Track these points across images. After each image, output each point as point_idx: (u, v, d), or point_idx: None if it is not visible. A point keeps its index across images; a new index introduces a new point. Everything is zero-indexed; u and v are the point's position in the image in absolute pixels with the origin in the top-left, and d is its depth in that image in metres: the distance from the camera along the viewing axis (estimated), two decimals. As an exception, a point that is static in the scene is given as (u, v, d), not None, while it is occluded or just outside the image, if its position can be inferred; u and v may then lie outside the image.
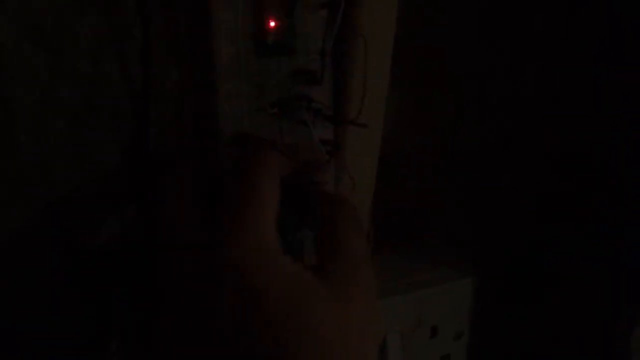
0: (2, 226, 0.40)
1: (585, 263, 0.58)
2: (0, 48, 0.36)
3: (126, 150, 0.42)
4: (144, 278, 0.43)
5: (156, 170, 0.42)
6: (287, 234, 0.40)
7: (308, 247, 0.44)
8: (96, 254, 0.44)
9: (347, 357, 0.32)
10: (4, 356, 0.43)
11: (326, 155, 0.42)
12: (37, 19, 0.37)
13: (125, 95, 0.40)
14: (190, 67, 0.41)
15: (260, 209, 0.34)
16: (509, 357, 0.66)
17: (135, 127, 0.41)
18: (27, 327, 0.43)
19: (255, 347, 0.30)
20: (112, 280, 0.45)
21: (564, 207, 0.59)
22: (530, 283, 0.63)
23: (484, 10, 0.55)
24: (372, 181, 0.50)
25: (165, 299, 0.34)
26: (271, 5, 0.39)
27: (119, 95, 0.40)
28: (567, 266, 0.60)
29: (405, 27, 0.48)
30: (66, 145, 0.40)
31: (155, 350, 0.35)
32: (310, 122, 0.42)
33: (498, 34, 0.56)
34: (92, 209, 0.43)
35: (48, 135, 0.39)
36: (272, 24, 0.39)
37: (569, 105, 0.57)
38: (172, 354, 0.33)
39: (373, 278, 0.36)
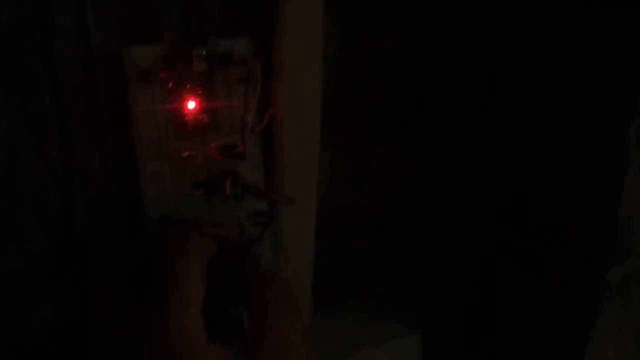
0: None
1: (534, 311, 0.58)
2: None
3: (52, 234, 0.41)
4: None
5: (85, 255, 0.41)
6: (223, 314, 0.40)
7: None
8: (28, 341, 0.43)
9: None
10: None
11: (254, 232, 0.42)
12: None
13: (47, 181, 0.40)
14: (114, 151, 0.41)
15: (184, 298, 0.34)
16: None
17: (60, 211, 0.41)
18: None
19: None
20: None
21: (510, 255, 0.59)
22: (480, 332, 0.63)
23: (414, 64, 0.55)
24: (312, 246, 0.50)
25: None
26: (188, 85, 0.39)
27: (41, 182, 0.40)
28: (517, 312, 0.60)
29: (333, 85, 0.48)
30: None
31: None
32: (239, 198, 0.41)
33: (430, 83, 0.57)
34: (22, 296, 0.42)
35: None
36: (192, 104, 0.39)
37: (510, 151, 0.58)
38: None
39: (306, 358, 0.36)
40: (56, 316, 0.43)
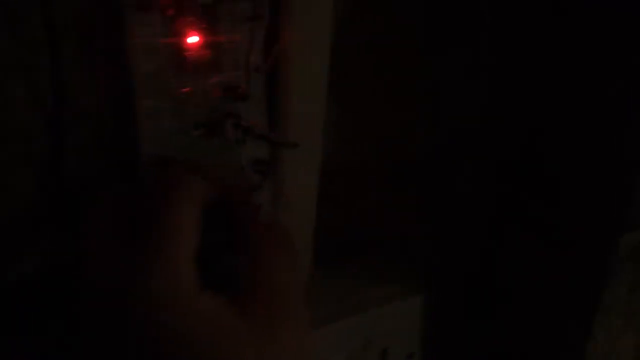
0: None
1: (537, 277, 0.56)
2: None
3: (41, 176, 0.39)
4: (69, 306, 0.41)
5: (77, 197, 0.39)
6: (217, 262, 0.38)
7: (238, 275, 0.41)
8: (15, 286, 0.41)
9: None
10: None
11: (257, 177, 0.40)
12: None
13: (37, 119, 0.37)
14: (107, 85, 0.38)
15: (175, 242, 0.32)
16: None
17: (50, 153, 0.38)
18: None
19: None
20: (35, 314, 0.42)
21: (515, 220, 0.58)
22: (484, 297, 0.61)
23: (428, 17, 0.53)
24: (313, 202, 0.48)
25: (81, 331, 0.33)
26: (192, 20, 0.36)
27: (30, 120, 0.37)
28: (519, 281, 0.58)
29: (345, 36, 0.46)
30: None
31: None
32: (240, 141, 0.39)
33: (445, 42, 0.54)
34: (12, 241, 0.40)
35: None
36: (194, 39, 0.37)
37: (524, 113, 0.56)
38: None
39: (305, 313, 0.34)
40: (43, 263, 0.41)
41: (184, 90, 0.38)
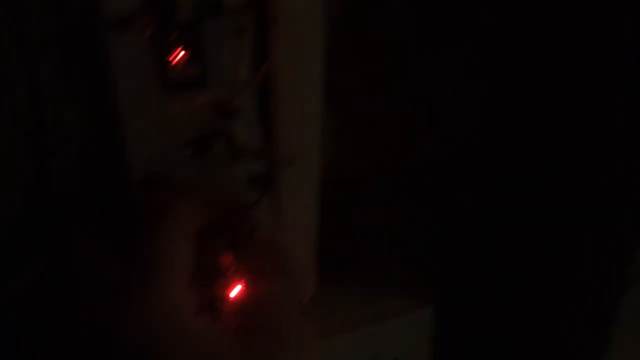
0: None
1: (549, 287, 0.55)
2: None
3: (28, 198, 0.38)
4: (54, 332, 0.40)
5: (64, 221, 0.39)
6: (214, 283, 0.37)
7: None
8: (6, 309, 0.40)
9: None
10: None
11: (251, 195, 0.38)
12: None
13: (20, 142, 0.36)
14: (93, 106, 0.37)
15: (168, 270, 0.31)
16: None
17: (35, 175, 0.38)
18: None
19: None
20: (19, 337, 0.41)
21: (520, 227, 0.56)
22: (491, 309, 0.60)
23: (421, 24, 0.52)
24: (313, 215, 0.47)
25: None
26: (173, 35, 0.35)
27: (13, 143, 0.36)
28: (533, 289, 0.57)
29: (339, 47, 0.44)
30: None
31: None
32: (232, 159, 0.38)
33: (445, 47, 0.53)
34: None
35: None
36: (177, 56, 0.35)
37: (521, 118, 0.55)
38: None
39: (304, 335, 0.33)
40: (35, 283, 0.41)
41: (172, 108, 0.37)
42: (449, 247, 0.60)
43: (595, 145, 0.49)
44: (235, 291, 0.37)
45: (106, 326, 0.30)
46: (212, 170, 0.39)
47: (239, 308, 0.35)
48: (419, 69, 0.53)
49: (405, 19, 0.51)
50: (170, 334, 0.29)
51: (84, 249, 0.35)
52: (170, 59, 0.36)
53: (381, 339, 0.53)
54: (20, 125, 0.36)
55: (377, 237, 0.58)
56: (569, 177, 0.52)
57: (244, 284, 0.36)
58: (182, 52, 0.36)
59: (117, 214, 0.37)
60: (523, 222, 0.56)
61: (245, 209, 0.39)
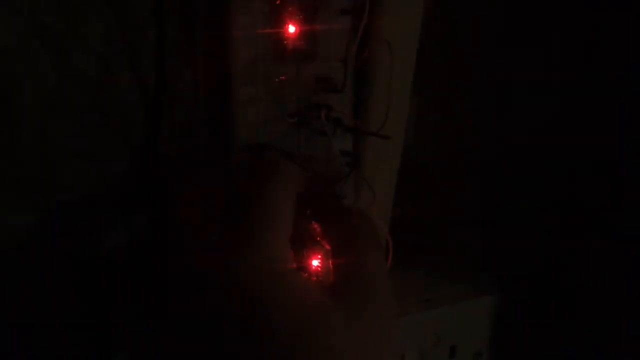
0: (6, 230, 0.39)
1: (605, 279, 0.56)
2: (5, 48, 0.34)
3: (136, 155, 0.40)
4: (152, 286, 0.42)
5: (169, 177, 0.41)
6: (305, 248, 0.39)
7: (326, 262, 0.42)
8: (102, 263, 0.43)
9: None
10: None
11: (346, 168, 0.40)
12: (44, 18, 0.35)
13: (136, 98, 0.39)
14: (206, 71, 0.39)
15: (273, 224, 0.33)
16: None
17: (145, 132, 0.40)
18: (29, 334, 0.42)
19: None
20: (116, 291, 0.44)
21: (584, 221, 0.57)
22: (550, 301, 0.61)
23: (507, 19, 0.53)
24: (392, 195, 0.48)
25: (176, 305, 0.34)
26: (291, 10, 0.37)
27: (129, 98, 0.39)
28: (587, 283, 0.58)
29: (427, 34, 0.46)
30: (72, 149, 0.39)
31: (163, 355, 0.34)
32: (330, 132, 0.40)
33: (520, 42, 0.54)
34: (98, 216, 0.42)
35: (53, 138, 0.38)
36: (292, 29, 0.37)
37: (592, 115, 0.55)
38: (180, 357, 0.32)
39: (390, 298, 0.35)
40: (130, 243, 0.43)
41: (280, 79, 0.39)
42: (512, 238, 0.61)
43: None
44: (323, 256, 0.39)
45: (217, 271, 0.32)
46: (310, 141, 0.40)
47: (332, 269, 0.36)
48: (497, 64, 0.54)
49: (489, 15, 0.52)
50: (275, 282, 0.31)
51: (189, 203, 0.38)
52: (285, 31, 0.38)
53: (442, 323, 0.54)
54: (141, 87, 0.38)
55: (443, 224, 0.59)
56: (628, 172, 0.52)
57: (332, 249, 0.38)
58: (295, 28, 0.38)
59: (220, 171, 0.39)
60: (587, 215, 0.57)
61: (336, 180, 0.41)
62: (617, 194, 0.55)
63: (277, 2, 0.36)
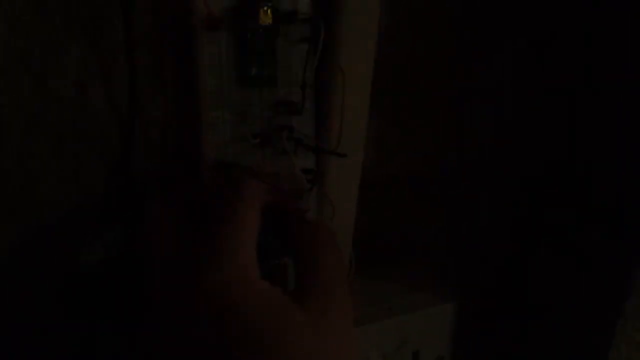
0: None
1: (563, 287, 0.59)
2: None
3: (111, 173, 0.43)
4: (129, 298, 0.44)
5: (142, 194, 0.43)
6: (269, 260, 0.41)
7: (290, 272, 0.45)
8: (81, 276, 0.45)
9: None
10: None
11: (307, 184, 0.43)
12: (25, 43, 0.38)
13: (111, 120, 0.42)
14: (175, 96, 0.42)
15: (239, 237, 0.36)
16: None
17: (120, 151, 0.43)
18: (10, 346, 0.44)
19: None
20: (97, 302, 0.46)
21: (540, 230, 0.61)
22: (509, 306, 0.64)
23: (460, 38, 0.56)
24: (354, 208, 0.51)
25: (150, 317, 0.36)
26: (253, 40, 0.40)
27: (104, 120, 0.41)
28: (545, 290, 0.61)
29: (385, 55, 0.49)
30: (52, 168, 0.41)
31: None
32: (292, 151, 0.43)
33: (474, 59, 0.58)
34: (76, 230, 0.44)
35: (34, 159, 0.41)
36: (254, 57, 0.41)
37: (546, 129, 0.59)
38: None
39: (349, 304, 0.38)
40: (108, 256, 0.45)
41: (244, 103, 0.42)
42: (470, 249, 0.64)
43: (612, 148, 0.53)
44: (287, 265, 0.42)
45: (186, 283, 0.35)
46: (274, 159, 0.43)
47: (295, 275, 0.39)
48: (455, 82, 0.58)
49: (445, 34, 0.56)
50: (244, 292, 0.33)
51: (162, 218, 0.40)
52: (247, 59, 0.41)
53: (405, 330, 0.57)
54: (115, 110, 0.41)
55: (406, 236, 0.62)
56: (582, 180, 0.56)
57: (295, 259, 0.41)
58: (256, 55, 0.41)
59: (191, 190, 0.42)
60: (540, 226, 0.60)
61: (299, 195, 0.44)
62: (569, 205, 0.58)
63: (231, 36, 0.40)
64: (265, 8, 0.40)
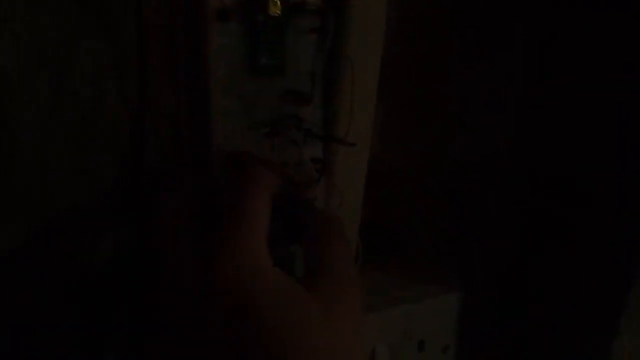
0: (5, 238, 0.41)
1: (566, 277, 0.59)
2: (3, 70, 0.38)
3: (124, 166, 0.43)
4: (140, 291, 0.45)
5: (153, 187, 0.44)
6: (279, 249, 0.42)
7: (299, 261, 0.45)
8: (92, 269, 0.45)
9: None
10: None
11: (315, 173, 0.44)
12: (41, 43, 0.38)
13: (123, 114, 0.42)
14: (186, 87, 0.43)
15: (251, 227, 0.36)
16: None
17: (131, 145, 0.43)
18: (22, 343, 0.44)
19: (248, 354, 0.32)
20: (108, 297, 0.46)
21: (545, 223, 0.61)
22: (514, 297, 0.65)
23: (467, 35, 0.57)
24: (360, 198, 0.52)
25: (162, 310, 0.36)
26: (263, 30, 0.41)
27: (117, 114, 0.42)
28: (549, 280, 0.61)
29: (392, 49, 0.50)
30: (66, 163, 0.42)
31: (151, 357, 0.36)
32: (300, 141, 0.43)
33: (481, 56, 0.58)
34: (90, 226, 0.45)
35: (48, 154, 0.41)
36: (264, 47, 0.41)
37: (552, 126, 0.59)
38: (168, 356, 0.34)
39: (358, 292, 0.38)
40: (118, 248, 0.46)
41: (254, 93, 0.42)
42: (475, 241, 0.65)
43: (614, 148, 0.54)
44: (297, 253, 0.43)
45: (199, 272, 0.35)
46: (282, 149, 0.44)
47: (305, 264, 0.40)
48: (460, 77, 0.59)
49: (451, 30, 0.57)
50: (256, 280, 0.34)
51: (173, 211, 0.41)
52: (257, 49, 0.41)
53: (411, 319, 0.57)
54: (127, 102, 0.42)
55: (411, 227, 0.63)
56: (586, 177, 0.56)
57: (304, 248, 0.41)
58: (266, 45, 0.42)
59: (201, 181, 0.43)
60: (547, 218, 0.61)
61: (307, 184, 0.44)
62: (574, 199, 0.59)
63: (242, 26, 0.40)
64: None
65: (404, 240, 0.62)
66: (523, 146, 0.61)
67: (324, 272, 0.37)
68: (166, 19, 0.41)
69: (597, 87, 0.55)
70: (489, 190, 0.63)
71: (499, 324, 0.66)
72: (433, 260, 0.63)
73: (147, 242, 0.45)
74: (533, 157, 0.61)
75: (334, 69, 0.44)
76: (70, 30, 0.39)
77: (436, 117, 0.59)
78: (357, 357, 0.36)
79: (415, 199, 0.61)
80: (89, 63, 0.40)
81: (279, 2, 0.41)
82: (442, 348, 0.61)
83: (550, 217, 0.61)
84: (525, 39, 0.59)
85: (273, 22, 0.41)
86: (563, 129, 0.58)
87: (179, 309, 0.35)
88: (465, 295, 0.60)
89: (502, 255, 0.65)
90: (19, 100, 0.39)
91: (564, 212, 0.59)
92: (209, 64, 0.41)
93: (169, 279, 0.37)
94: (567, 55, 0.57)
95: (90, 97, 0.41)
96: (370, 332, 0.55)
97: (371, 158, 0.52)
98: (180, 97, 0.43)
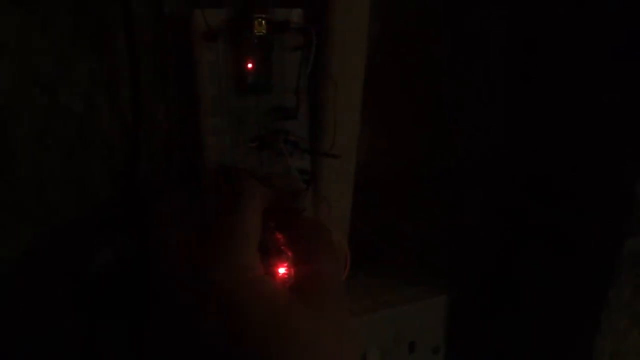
0: (5, 249, 0.44)
1: (549, 277, 0.61)
2: (3, 87, 0.40)
3: (118, 180, 0.45)
4: (137, 298, 0.46)
5: (150, 199, 0.46)
6: (268, 258, 0.44)
7: (289, 268, 0.47)
8: (90, 280, 0.47)
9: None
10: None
11: (303, 184, 0.45)
12: (36, 61, 0.40)
13: (117, 130, 0.44)
14: (177, 104, 0.45)
15: (242, 238, 0.38)
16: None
17: (126, 159, 0.45)
18: (20, 346, 0.46)
19: (239, 353, 0.34)
20: (104, 306, 0.48)
21: (528, 224, 0.63)
22: (500, 298, 0.66)
23: (449, 48, 0.59)
24: (348, 207, 0.54)
25: (159, 314, 0.39)
26: (249, 49, 0.43)
27: (111, 130, 0.44)
28: (535, 281, 0.63)
29: (373, 60, 0.52)
30: (62, 177, 0.44)
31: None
32: (288, 154, 0.45)
33: (464, 67, 0.60)
34: (86, 235, 0.46)
35: (44, 168, 0.43)
36: (250, 65, 0.43)
37: (533, 129, 0.61)
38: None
39: (345, 300, 0.40)
40: (116, 259, 0.47)
41: (242, 110, 0.44)
42: (461, 244, 0.67)
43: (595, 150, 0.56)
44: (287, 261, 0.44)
45: (196, 283, 0.37)
46: (271, 162, 0.46)
47: (293, 273, 0.42)
48: (443, 86, 0.60)
49: (436, 41, 0.58)
50: (250, 290, 0.36)
51: (168, 223, 0.43)
52: (244, 67, 0.43)
53: (401, 322, 0.59)
54: (120, 117, 0.44)
55: (398, 232, 0.64)
56: (575, 184, 0.58)
57: (293, 256, 0.43)
58: (254, 63, 0.44)
59: (195, 193, 0.45)
60: (530, 221, 0.63)
61: (295, 195, 0.46)
62: (555, 199, 0.60)
63: (229, 46, 0.42)
64: (260, 19, 0.42)
65: (391, 245, 0.64)
66: (506, 149, 0.63)
67: (309, 278, 0.40)
68: (156, 39, 0.43)
69: (578, 90, 0.57)
70: (473, 194, 0.65)
71: (486, 324, 0.68)
72: (420, 264, 0.65)
73: (143, 251, 0.47)
74: (515, 160, 0.63)
75: (317, 85, 0.46)
76: (64, 50, 0.41)
77: (421, 126, 0.61)
78: (346, 352, 0.38)
79: (402, 206, 0.63)
80: (82, 81, 0.42)
81: (264, 22, 0.43)
82: (433, 349, 0.62)
83: (533, 218, 0.62)
84: (509, 42, 0.60)
85: (259, 41, 0.43)
86: (544, 132, 0.60)
87: (175, 312, 0.38)
88: (453, 296, 0.62)
89: (487, 257, 0.67)
90: (15, 118, 0.41)
91: (546, 213, 0.61)
92: (198, 83, 0.43)
93: (167, 285, 0.40)
94: (552, 58, 0.59)
95: (84, 113, 0.43)
96: (362, 335, 0.57)
97: (358, 168, 0.54)
98: (172, 114, 0.45)
